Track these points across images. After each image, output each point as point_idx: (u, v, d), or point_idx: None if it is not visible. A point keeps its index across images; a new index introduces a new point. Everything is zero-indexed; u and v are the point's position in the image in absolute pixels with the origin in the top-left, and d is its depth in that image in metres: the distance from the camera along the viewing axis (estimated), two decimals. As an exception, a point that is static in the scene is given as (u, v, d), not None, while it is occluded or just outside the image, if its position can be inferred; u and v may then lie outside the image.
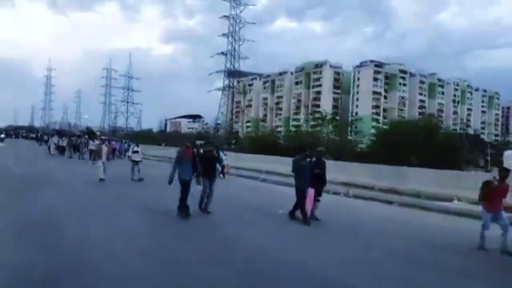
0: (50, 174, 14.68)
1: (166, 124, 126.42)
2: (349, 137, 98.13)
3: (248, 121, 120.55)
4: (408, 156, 18.44)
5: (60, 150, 27.08)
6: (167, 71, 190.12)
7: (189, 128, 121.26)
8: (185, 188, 7.77)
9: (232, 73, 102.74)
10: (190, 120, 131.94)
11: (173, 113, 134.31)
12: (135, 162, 13.74)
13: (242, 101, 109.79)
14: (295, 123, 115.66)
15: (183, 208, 7.72)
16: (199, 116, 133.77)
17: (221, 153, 16.44)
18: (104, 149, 13.48)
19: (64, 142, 27.20)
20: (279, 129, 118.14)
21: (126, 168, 14.88)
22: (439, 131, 24.62)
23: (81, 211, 8.10)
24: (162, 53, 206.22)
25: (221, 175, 16.27)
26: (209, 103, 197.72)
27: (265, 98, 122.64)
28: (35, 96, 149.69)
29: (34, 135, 62.08)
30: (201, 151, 12.28)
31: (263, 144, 28.49)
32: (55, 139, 28.47)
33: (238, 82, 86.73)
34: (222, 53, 78.66)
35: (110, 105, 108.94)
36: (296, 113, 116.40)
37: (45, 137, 45.13)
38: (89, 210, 8.29)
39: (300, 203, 7.85)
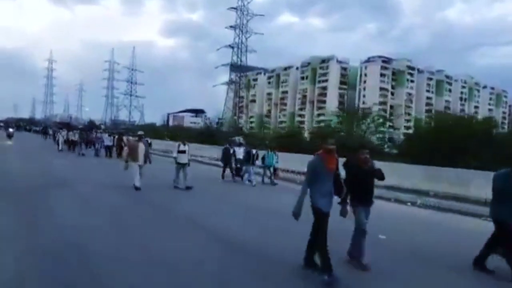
0: (68, 179, 11.80)
1: (168, 118, 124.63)
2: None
3: (251, 117, 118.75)
4: (456, 156, 16.74)
5: (70, 145, 24.63)
6: (169, 65, 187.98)
7: (191, 123, 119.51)
8: (324, 225, 4.42)
9: (235, 68, 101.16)
10: (193, 114, 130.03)
11: (175, 108, 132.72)
12: (182, 165, 11.10)
13: (245, 96, 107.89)
14: (300, 118, 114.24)
15: (327, 265, 4.34)
16: (201, 111, 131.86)
17: (271, 153, 14.34)
18: (142, 147, 10.53)
19: (75, 137, 24.36)
20: (283, 124, 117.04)
21: (156, 169, 13.05)
22: (495, 130, 22.61)
23: (123, 242, 5.40)
24: (164, 47, 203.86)
25: (268, 180, 14.27)
26: (211, 98, 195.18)
27: (269, 93, 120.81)
28: (36, 88, 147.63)
29: (38, 128, 59.54)
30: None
31: (287, 141, 26.49)
32: (64, 132, 25.72)
33: (244, 76, 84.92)
34: (230, 46, 76.75)
35: (113, 98, 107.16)
36: (301, 109, 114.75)
37: (50, 131, 43.16)
38: (133, 241, 5.45)
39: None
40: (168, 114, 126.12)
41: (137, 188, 10.15)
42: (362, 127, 29.94)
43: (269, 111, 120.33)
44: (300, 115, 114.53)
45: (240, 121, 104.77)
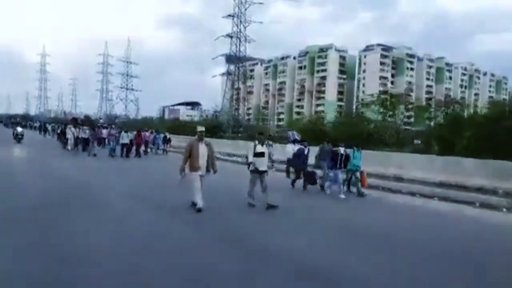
0: (94, 192, 8.87)
1: (163, 112, 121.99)
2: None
3: (248, 108, 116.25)
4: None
5: (78, 144, 20.71)
6: (162, 58, 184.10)
7: (187, 116, 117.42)
8: None
9: (231, 59, 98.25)
10: (188, 107, 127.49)
11: (170, 101, 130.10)
12: (259, 174, 7.91)
13: (242, 87, 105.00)
14: (298, 109, 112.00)
15: None
16: (197, 103, 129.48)
17: (357, 152, 10.67)
18: (203, 150, 7.33)
19: (85, 134, 20.57)
20: (281, 116, 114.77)
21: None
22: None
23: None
24: (157, 40, 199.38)
25: (353, 190, 10.70)
26: (207, 90, 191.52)
27: (266, 84, 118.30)
28: (30, 84, 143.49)
29: (36, 124, 55.74)
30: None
31: (310, 133, 23.56)
32: (73, 129, 21.30)
33: (243, 66, 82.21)
34: (228, 35, 73.71)
35: (107, 92, 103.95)
36: (299, 100, 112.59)
37: (49, 127, 40.12)
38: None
39: None
40: (164, 107, 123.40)
41: (199, 210, 6.97)
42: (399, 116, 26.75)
43: (267, 102, 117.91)
44: (298, 106, 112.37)
45: (238, 113, 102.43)
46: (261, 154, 7.96)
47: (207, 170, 7.43)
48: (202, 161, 7.29)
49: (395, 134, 24.44)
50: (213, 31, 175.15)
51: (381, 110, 26.34)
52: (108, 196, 8.55)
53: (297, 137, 12.10)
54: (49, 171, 12.87)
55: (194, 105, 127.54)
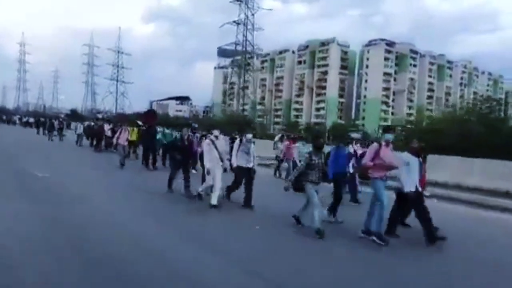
0: None
1: (151, 106, 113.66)
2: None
3: (244, 104, 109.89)
4: None
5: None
6: (149, 50, 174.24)
7: (177, 111, 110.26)
8: None
9: (223, 53, 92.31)
10: (178, 102, 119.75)
11: (155, 95, 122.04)
12: None
13: (237, 81, 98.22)
14: (297, 106, 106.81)
15: None
16: (187, 98, 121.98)
17: None
18: None
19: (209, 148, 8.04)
20: (278, 112, 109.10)
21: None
22: None
23: None
24: (144, 33, 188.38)
25: None
26: (196, 84, 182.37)
27: (263, 79, 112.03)
28: (7, 75, 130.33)
29: (31, 121, 43.26)
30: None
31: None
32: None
33: (251, 58, 76.04)
34: (235, 22, 67.44)
35: (93, 84, 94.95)
36: (298, 95, 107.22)
37: (56, 123, 28.95)
38: None
39: None
40: (151, 102, 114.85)
41: None
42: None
43: (263, 98, 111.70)
44: (297, 102, 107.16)
45: (232, 109, 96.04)
46: None
47: None
48: None
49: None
50: (202, 25, 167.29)
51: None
52: None
53: None
54: None
55: (183, 99, 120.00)
